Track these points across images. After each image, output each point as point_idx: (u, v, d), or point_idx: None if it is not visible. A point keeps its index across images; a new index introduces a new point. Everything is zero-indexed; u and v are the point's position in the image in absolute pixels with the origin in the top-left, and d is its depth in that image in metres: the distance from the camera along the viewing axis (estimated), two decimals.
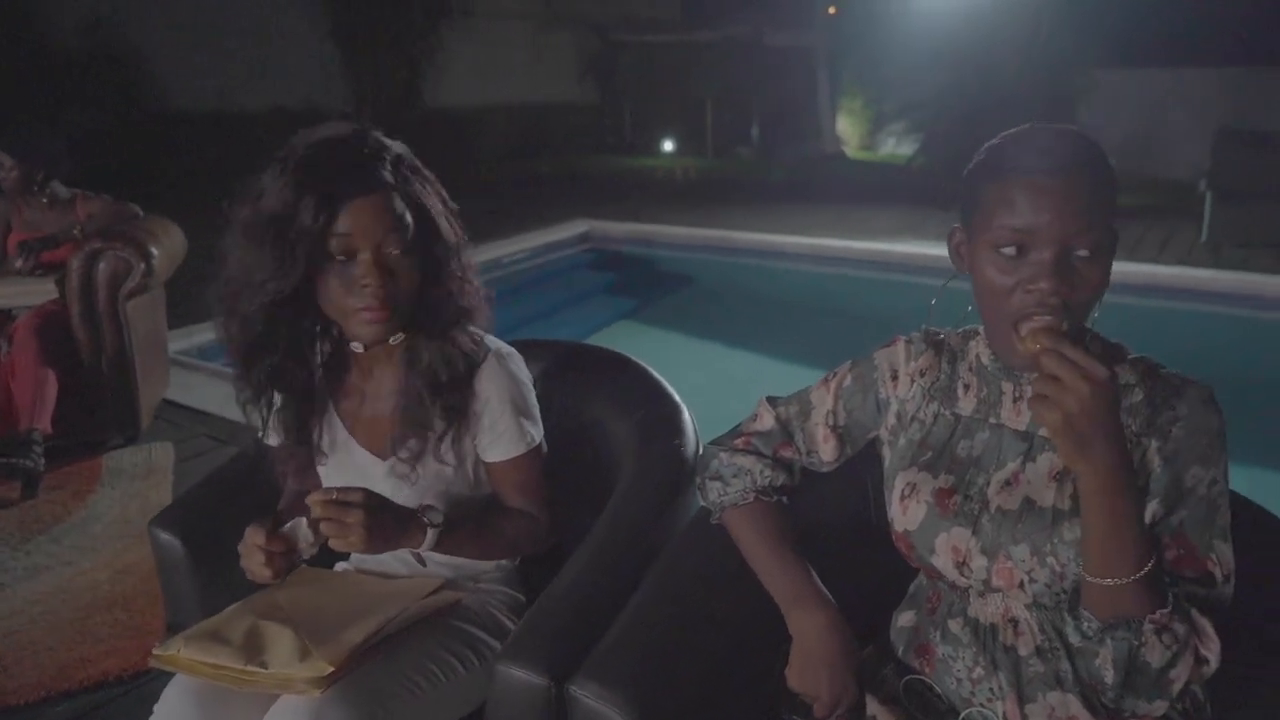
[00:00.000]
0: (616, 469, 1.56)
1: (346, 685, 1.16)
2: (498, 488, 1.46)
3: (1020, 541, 1.03)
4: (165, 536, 1.51)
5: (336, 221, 1.20)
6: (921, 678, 1.15)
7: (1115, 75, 8.96)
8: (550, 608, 1.25)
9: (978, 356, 1.15)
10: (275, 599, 1.30)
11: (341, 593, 1.36)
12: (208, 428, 3.64)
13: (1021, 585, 1.04)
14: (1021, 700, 1.05)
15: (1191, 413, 1.00)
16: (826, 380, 1.29)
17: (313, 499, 1.16)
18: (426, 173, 1.33)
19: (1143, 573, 0.90)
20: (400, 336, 1.35)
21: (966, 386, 1.15)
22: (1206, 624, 0.94)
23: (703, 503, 1.30)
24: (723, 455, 1.29)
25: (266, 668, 1.14)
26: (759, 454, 1.28)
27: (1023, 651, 1.06)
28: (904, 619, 1.23)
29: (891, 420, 1.22)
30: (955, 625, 1.13)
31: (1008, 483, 1.07)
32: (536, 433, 1.44)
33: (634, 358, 1.74)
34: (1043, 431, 1.06)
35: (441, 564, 1.45)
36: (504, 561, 1.52)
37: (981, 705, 1.08)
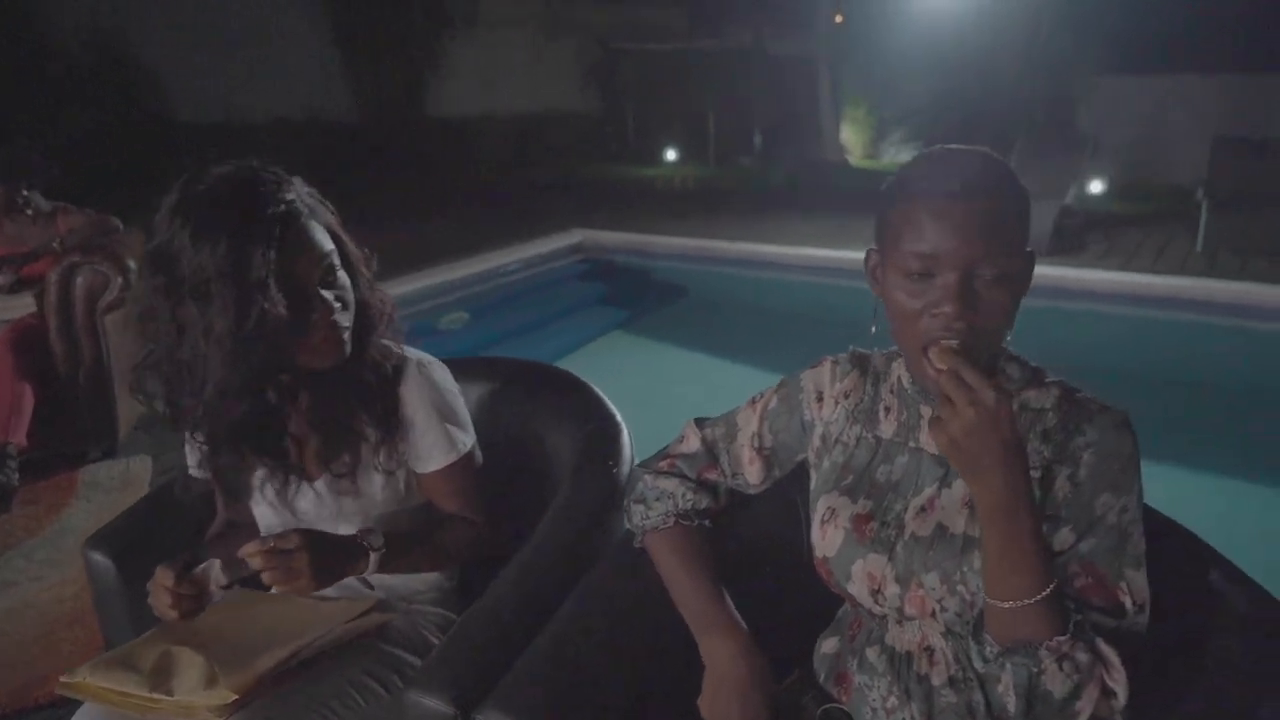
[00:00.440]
0: (557, 487, 1.54)
1: (255, 712, 1.14)
2: (434, 499, 1.45)
3: (931, 569, 1.02)
4: (98, 558, 1.50)
5: (285, 262, 1.18)
6: (840, 706, 1.12)
7: (1115, 80, 8.93)
8: (466, 632, 1.23)
9: (899, 379, 1.14)
10: (195, 624, 1.29)
11: (265, 617, 1.34)
12: None
13: (934, 614, 1.02)
14: None
15: (1102, 438, 0.98)
16: (754, 401, 1.27)
17: (248, 551, 1.14)
18: (312, 189, 1.31)
19: (1041, 596, 0.89)
20: None
21: (888, 409, 1.14)
22: (1113, 654, 0.91)
23: (628, 526, 1.28)
24: (647, 478, 1.27)
25: (171, 695, 1.12)
26: (682, 476, 1.26)
27: (936, 681, 1.04)
28: (827, 645, 1.21)
29: (817, 443, 1.21)
30: (872, 653, 1.11)
31: (923, 508, 1.06)
32: (467, 439, 1.43)
33: (582, 377, 1.72)
34: None
35: (375, 584, 1.44)
36: (442, 581, 1.51)
37: None
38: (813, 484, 1.20)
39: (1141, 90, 9.14)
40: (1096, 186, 7.86)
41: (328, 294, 1.24)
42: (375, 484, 1.38)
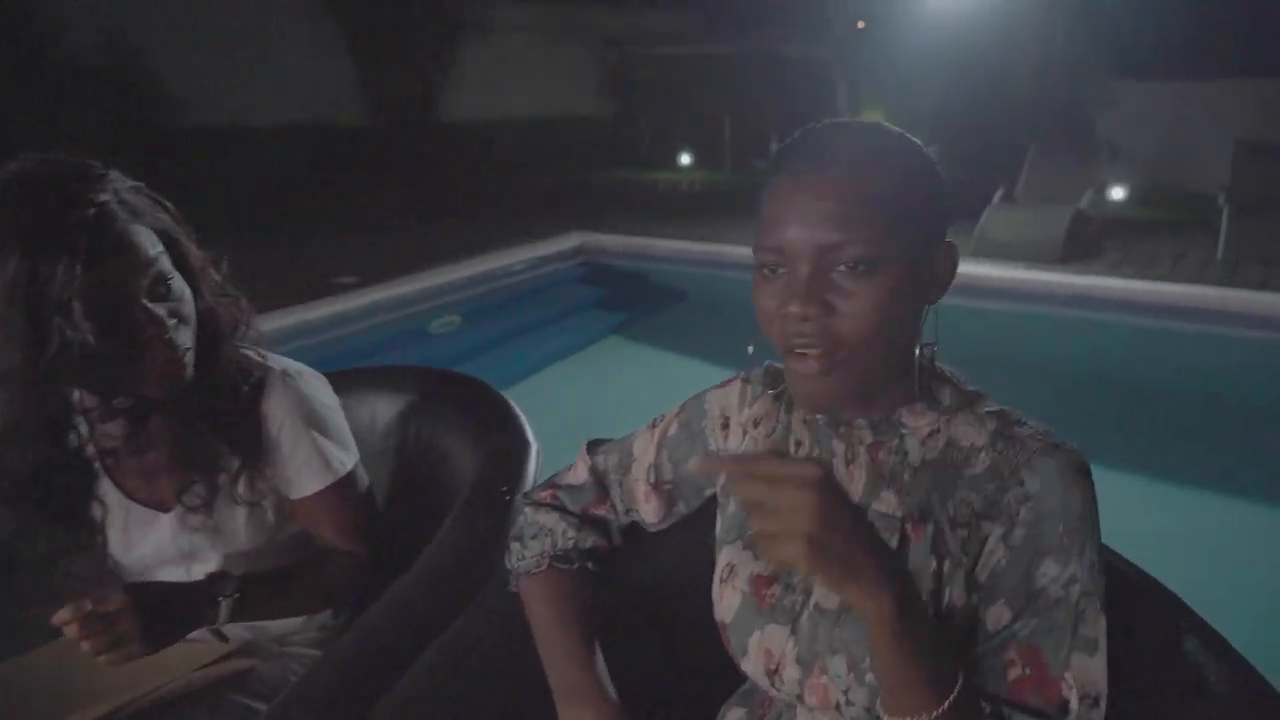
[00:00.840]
0: None
1: None
2: (311, 527, 1.27)
3: (838, 651, 0.82)
4: None
5: (96, 277, 0.99)
6: None
7: (1135, 85, 8.69)
8: (320, 678, 1.06)
9: None
10: (23, 667, 1.13)
11: (92, 662, 1.17)
12: None
13: (838, 706, 0.83)
14: None
15: (1045, 490, 0.78)
16: (654, 425, 1.08)
17: (61, 619, 0.95)
18: (141, 185, 1.13)
19: (940, 711, 0.70)
20: None
21: (799, 443, 0.94)
22: None
23: (507, 565, 1.09)
24: (528, 510, 1.09)
25: None
26: (564, 511, 1.07)
27: None
28: (733, 716, 1.02)
29: (722, 478, 1.01)
30: None
31: None
32: (347, 458, 1.26)
33: (494, 388, 1.55)
34: (880, 507, 0.85)
35: (240, 625, 1.27)
36: (326, 619, 1.34)
37: None
38: (717, 529, 1.01)
39: (1162, 95, 8.90)
40: (1115, 193, 7.63)
41: (158, 309, 1.06)
42: (237, 518, 1.21)
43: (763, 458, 0.67)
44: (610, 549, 1.09)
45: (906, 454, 0.85)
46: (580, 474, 1.10)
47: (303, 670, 1.24)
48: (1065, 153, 7.03)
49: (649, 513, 1.06)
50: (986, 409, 0.85)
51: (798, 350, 0.77)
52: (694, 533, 1.10)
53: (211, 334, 1.15)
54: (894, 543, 0.82)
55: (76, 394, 1.14)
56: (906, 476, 0.84)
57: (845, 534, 0.64)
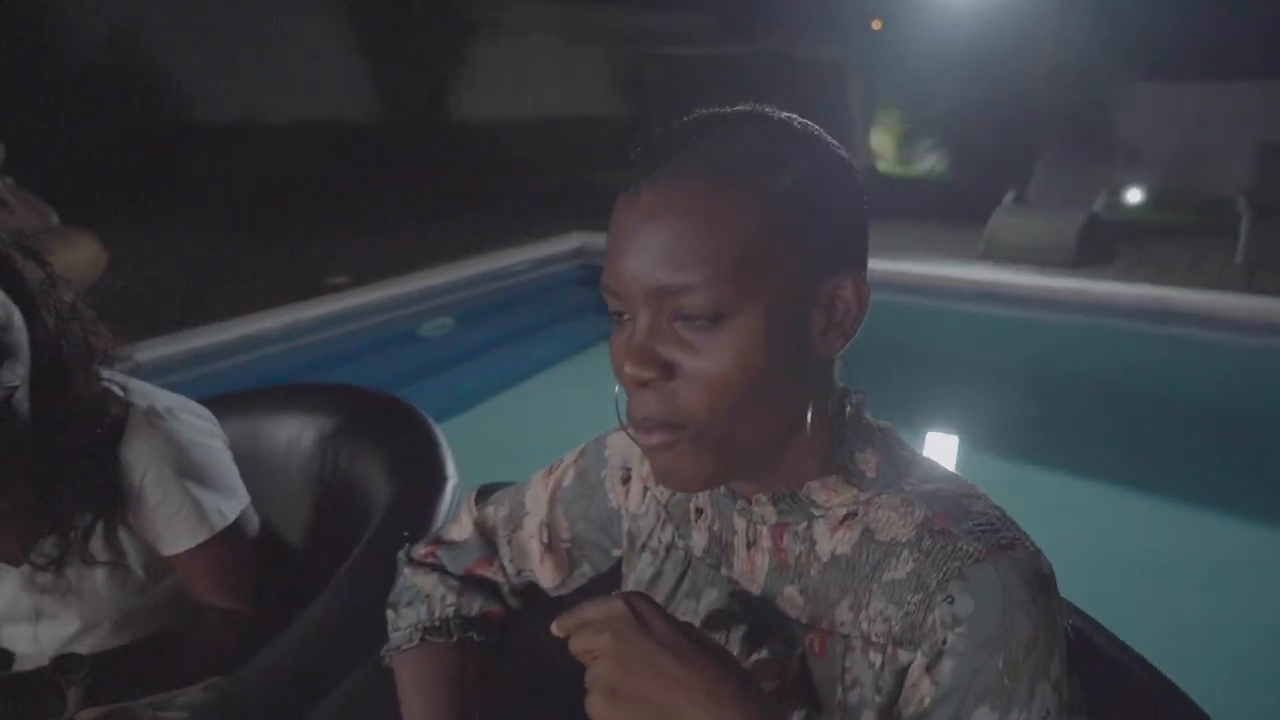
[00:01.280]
0: None
1: None
2: (189, 583, 1.13)
3: None
4: None
5: None
6: None
7: (1155, 87, 8.47)
8: None
9: None
10: None
11: None
12: None
13: None
14: None
15: (981, 612, 0.58)
16: (550, 472, 0.91)
17: None
18: None
19: None
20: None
21: (699, 511, 0.77)
22: None
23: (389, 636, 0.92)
24: (406, 572, 0.93)
25: None
26: (444, 573, 0.91)
27: None
28: None
29: (624, 541, 0.85)
30: None
31: None
32: (229, 508, 1.12)
33: (424, 413, 1.41)
34: (783, 606, 0.69)
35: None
36: (214, 679, 1.20)
37: None
38: None
39: (1182, 97, 8.68)
40: (1131, 196, 7.43)
41: None
42: (95, 578, 1.07)
43: (585, 605, 0.57)
44: (503, 615, 0.92)
45: (814, 543, 0.67)
46: (464, 529, 0.93)
47: None
48: (1079, 154, 6.85)
49: (545, 576, 0.90)
50: (922, 486, 0.66)
51: (637, 421, 0.62)
52: (614, 586, 0.97)
53: (55, 366, 1.01)
54: (794, 657, 0.66)
55: None
56: (814, 573, 0.67)
57: (649, 669, 0.53)
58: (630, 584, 0.83)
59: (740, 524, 0.72)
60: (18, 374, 0.96)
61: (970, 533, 0.61)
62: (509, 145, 12.38)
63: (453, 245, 6.64)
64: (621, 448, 0.86)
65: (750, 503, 0.69)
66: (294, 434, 1.45)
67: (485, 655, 0.89)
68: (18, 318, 0.97)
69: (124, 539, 1.08)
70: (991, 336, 5.25)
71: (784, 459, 0.66)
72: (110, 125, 8.80)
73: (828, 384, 0.66)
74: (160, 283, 5.72)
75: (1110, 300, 5.11)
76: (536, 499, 0.90)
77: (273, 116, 10.34)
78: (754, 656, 0.68)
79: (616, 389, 0.65)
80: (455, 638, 0.87)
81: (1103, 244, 5.96)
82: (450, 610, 0.88)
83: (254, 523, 1.17)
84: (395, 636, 0.89)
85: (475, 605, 0.90)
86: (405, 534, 1.11)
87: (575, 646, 0.55)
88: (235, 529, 1.12)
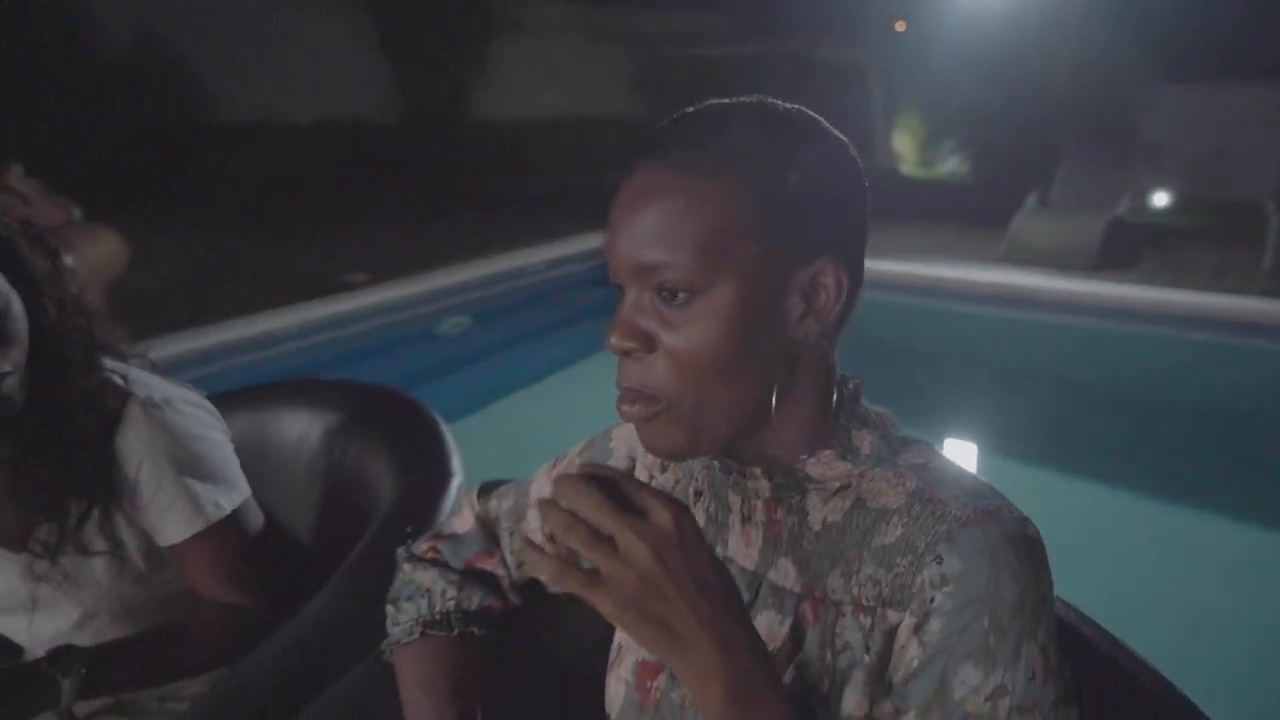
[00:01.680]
0: None
1: None
2: (189, 576, 1.12)
3: None
4: None
5: None
6: None
7: (1183, 90, 8.36)
8: None
9: None
10: None
11: None
12: None
13: None
14: None
15: (967, 571, 0.59)
16: (554, 464, 0.92)
17: None
18: None
19: None
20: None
21: (698, 494, 0.77)
22: None
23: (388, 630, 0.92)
24: (406, 568, 0.92)
25: None
26: (444, 567, 0.91)
27: None
28: None
29: None
30: None
31: None
32: (226, 500, 1.11)
33: (432, 410, 1.40)
34: (776, 578, 0.69)
35: None
36: (218, 674, 1.19)
37: None
38: None
39: (1209, 99, 8.56)
40: (1157, 199, 7.34)
41: None
42: (93, 567, 1.06)
43: (626, 477, 0.56)
44: (506, 610, 0.92)
45: (807, 514, 0.68)
46: (465, 522, 0.93)
47: None
48: (1103, 157, 6.78)
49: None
50: (914, 461, 0.67)
51: (620, 391, 0.63)
52: None
53: (55, 355, 1.01)
54: (786, 625, 0.66)
55: None
56: (806, 543, 0.68)
57: (665, 596, 0.53)
58: None
59: (735, 500, 0.72)
60: (12, 359, 0.97)
61: (958, 499, 0.62)
62: (527, 145, 12.40)
63: (469, 244, 6.65)
64: (626, 439, 0.86)
65: (745, 477, 0.70)
66: (302, 430, 1.44)
67: (486, 650, 0.88)
68: (17, 305, 0.98)
69: (122, 528, 1.08)
70: (1011, 339, 5.20)
71: (780, 436, 0.68)
72: (126, 124, 8.88)
73: (814, 368, 0.67)
74: (170, 280, 5.76)
75: (1129, 304, 5.05)
76: (541, 490, 0.90)
77: (289, 115, 10.39)
78: None
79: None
80: (456, 631, 0.87)
81: (1127, 247, 5.89)
82: (450, 604, 0.88)
83: (255, 516, 1.16)
84: (395, 631, 0.88)
85: (475, 599, 0.89)
86: (409, 530, 1.10)
87: (616, 534, 0.53)
88: (233, 521, 1.11)
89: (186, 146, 9.31)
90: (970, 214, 7.25)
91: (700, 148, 0.61)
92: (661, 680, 0.73)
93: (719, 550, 0.73)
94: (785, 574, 0.68)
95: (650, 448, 0.65)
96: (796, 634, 0.65)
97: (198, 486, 1.08)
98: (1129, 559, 2.83)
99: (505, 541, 0.92)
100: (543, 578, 0.55)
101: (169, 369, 1.22)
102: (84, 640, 1.06)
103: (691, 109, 0.65)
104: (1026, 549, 0.60)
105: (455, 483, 1.23)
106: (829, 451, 0.68)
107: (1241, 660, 2.34)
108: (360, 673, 0.93)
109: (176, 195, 8.37)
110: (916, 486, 0.65)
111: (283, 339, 4.78)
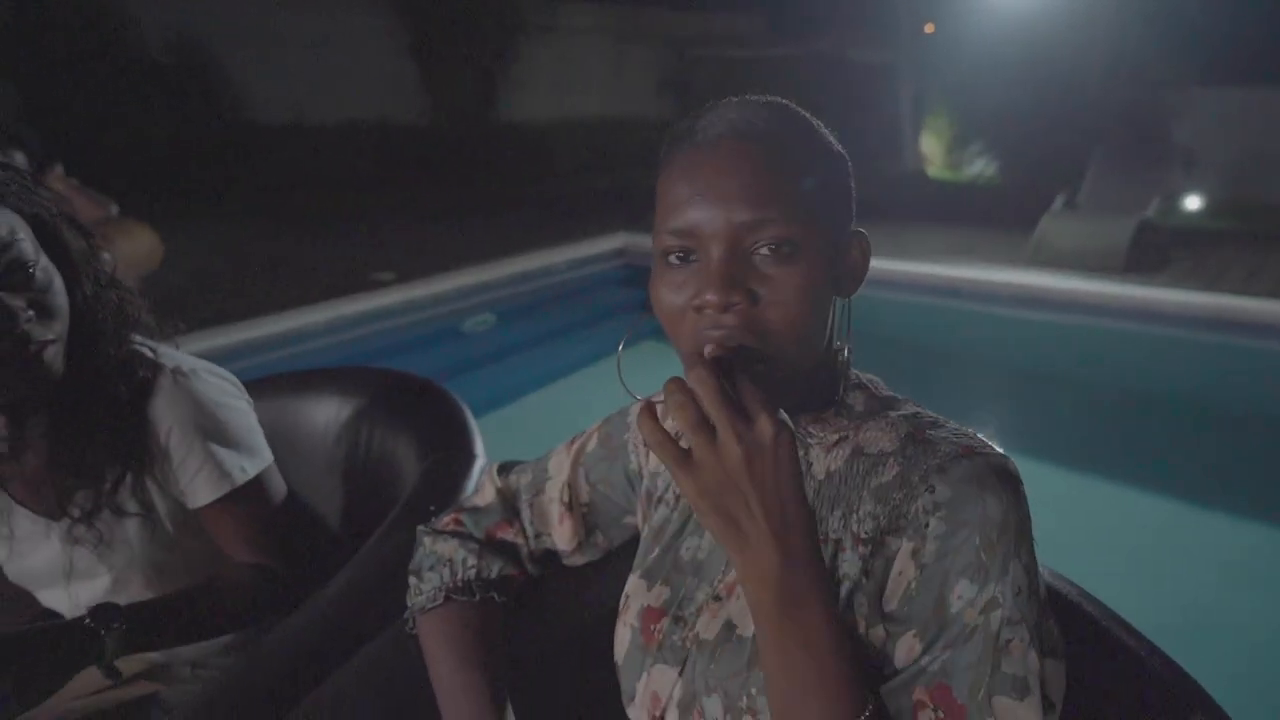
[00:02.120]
0: None
1: None
2: (216, 539, 1.18)
3: (714, 689, 0.71)
4: None
5: None
6: None
7: (1218, 92, 8.27)
8: (205, 706, 0.96)
9: None
10: None
11: None
12: None
13: None
14: None
15: (958, 497, 0.66)
16: (572, 441, 0.97)
17: None
18: (13, 166, 1.06)
19: None
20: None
21: None
22: None
23: (408, 603, 0.96)
24: (426, 540, 0.97)
25: None
26: (465, 537, 0.95)
27: None
28: None
29: (643, 503, 0.91)
30: None
31: (718, 597, 0.76)
32: (250, 465, 1.16)
33: (454, 395, 1.44)
34: None
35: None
36: (254, 634, 1.24)
37: None
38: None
39: (1239, 101, 8.45)
40: (1189, 202, 7.27)
41: (12, 300, 0.98)
42: (126, 530, 1.12)
43: (749, 380, 0.61)
44: (522, 579, 0.97)
45: (810, 465, 0.76)
46: (487, 495, 0.99)
47: None
48: (1133, 159, 6.70)
49: (562, 537, 0.95)
50: (904, 411, 0.75)
51: (707, 339, 0.66)
52: (627, 560, 0.98)
53: (89, 328, 1.07)
54: None
55: None
56: (809, 492, 0.74)
57: (745, 493, 0.58)
58: (646, 534, 0.88)
59: None
60: (55, 330, 1.02)
61: (947, 438, 0.70)
62: (556, 146, 12.46)
63: (498, 243, 6.71)
64: None
65: None
66: (330, 416, 1.49)
67: (506, 618, 0.93)
68: (58, 281, 1.03)
69: (153, 492, 1.13)
70: (1035, 341, 5.17)
71: (804, 393, 0.75)
72: (162, 124, 9.04)
73: (835, 330, 0.75)
74: (203, 275, 5.87)
75: (1161, 307, 5.01)
76: (560, 465, 0.96)
77: (327, 116, 10.53)
78: None
79: (620, 346, 0.74)
80: (478, 597, 0.91)
81: (1156, 250, 5.83)
82: (472, 573, 0.93)
83: (278, 483, 1.21)
84: (419, 599, 0.92)
85: (495, 568, 0.94)
86: (432, 509, 1.14)
87: (707, 407, 0.58)
88: (257, 485, 1.17)
89: (220, 146, 9.46)
90: (997, 216, 7.20)
91: (775, 122, 0.69)
92: (664, 623, 0.77)
93: None
94: None
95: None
96: None
97: (223, 452, 1.13)
98: (1169, 564, 2.82)
99: (525, 513, 0.97)
100: (645, 438, 0.59)
101: None
102: (120, 602, 1.11)
103: (722, 101, 0.72)
104: (1009, 479, 0.66)
105: (478, 465, 1.27)
106: (828, 411, 0.76)
107: (1256, 658, 2.33)
108: (385, 640, 0.97)
109: (210, 194, 8.51)
110: (908, 431, 0.73)
111: (311, 335, 4.85)
